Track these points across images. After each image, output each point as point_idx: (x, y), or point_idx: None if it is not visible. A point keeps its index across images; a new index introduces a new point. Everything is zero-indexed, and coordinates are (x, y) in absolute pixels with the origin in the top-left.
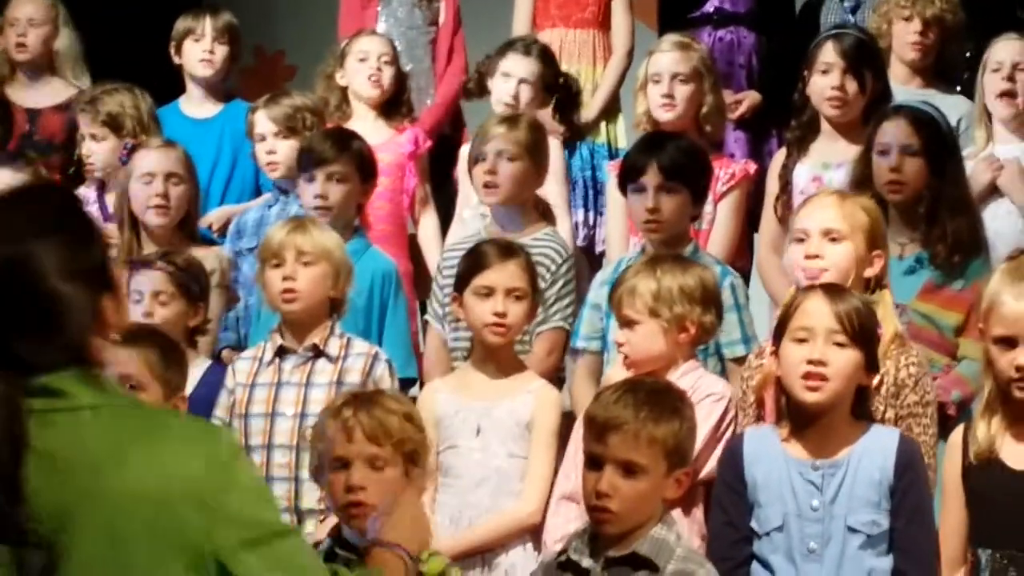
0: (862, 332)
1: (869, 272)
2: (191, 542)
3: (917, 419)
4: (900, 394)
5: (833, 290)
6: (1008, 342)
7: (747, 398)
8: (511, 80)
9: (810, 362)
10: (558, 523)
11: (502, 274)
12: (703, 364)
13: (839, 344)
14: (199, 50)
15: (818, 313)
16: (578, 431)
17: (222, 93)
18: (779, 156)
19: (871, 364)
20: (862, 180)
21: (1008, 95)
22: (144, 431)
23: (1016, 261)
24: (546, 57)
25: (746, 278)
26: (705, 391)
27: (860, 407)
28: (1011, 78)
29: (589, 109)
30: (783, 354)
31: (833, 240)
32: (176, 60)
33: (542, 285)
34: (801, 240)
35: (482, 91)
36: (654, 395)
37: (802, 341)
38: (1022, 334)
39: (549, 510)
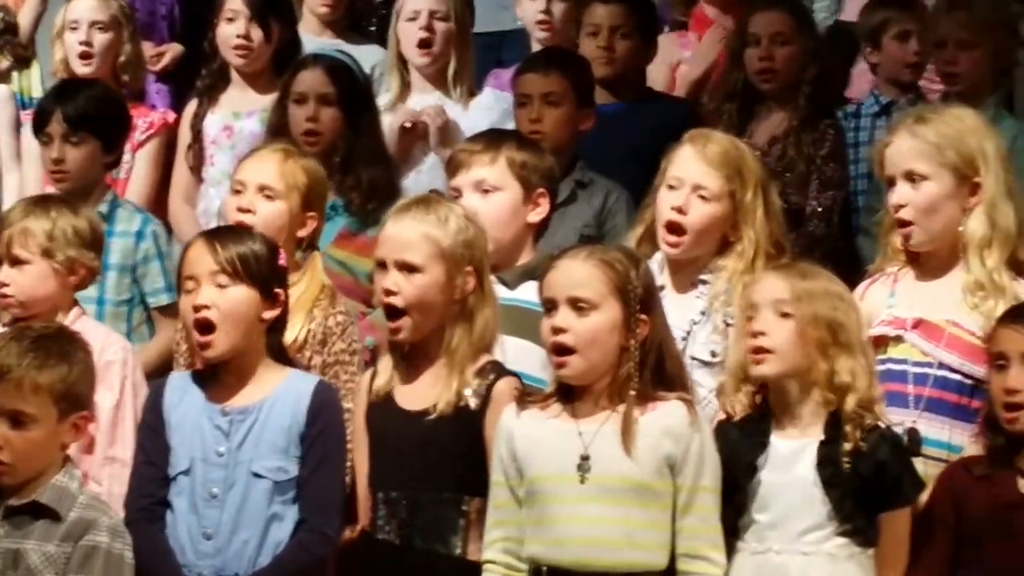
0: (247, 269)
1: (302, 232)
2: None
3: (344, 366)
4: (328, 342)
5: (216, 234)
6: (383, 265)
7: (181, 348)
8: None
9: (195, 308)
10: None
11: None
12: (129, 312)
13: (221, 285)
14: None
15: (199, 260)
16: None
17: None
18: (191, 106)
19: (269, 297)
20: (278, 129)
21: (424, 44)
22: None
23: (404, 202)
24: None
25: None
26: (114, 342)
27: (273, 345)
28: (429, 28)
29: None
30: (180, 307)
31: (268, 197)
32: None
33: None
34: (239, 192)
35: None
36: (41, 340)
37: (189, 291)
38: (388, 257)
39: None
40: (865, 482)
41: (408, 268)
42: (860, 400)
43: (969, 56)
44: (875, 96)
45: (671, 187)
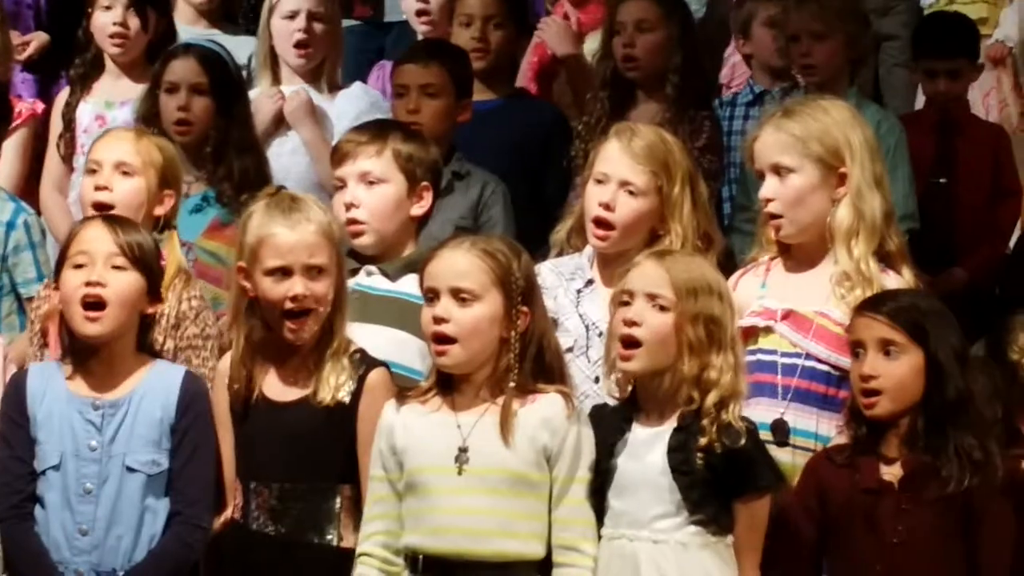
0: (142, 258)
1: (159, 210)
2: None
3: (196, 351)
4: (180, 326)
5: (114, 219)
6: (284, 272)
7: (34, 328)
8: None
9: (89, 284)
10: None
11: None
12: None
13: (118, 267)
14: None
15: (97, 239)
16: None
17: None
18: (63, 95)
19: (153, 292)
20: (148, 118)
21: (302, 45)
22: None
23: (275, 196)
24: None
25: None
26: None
27: (144, 339)
28: (307, 29)
29: None
30: (63, 282)
31: (125, 174)
32: None
33: None
34: (94, 171)
35: None
36: None
37: (80, 267)
38: (296, 263)
39: None
40: (718, 471)
41: (317, 270)
42: (721, 396)
43: (822, 47)
44: (750, 85)
45: (598, 181)
